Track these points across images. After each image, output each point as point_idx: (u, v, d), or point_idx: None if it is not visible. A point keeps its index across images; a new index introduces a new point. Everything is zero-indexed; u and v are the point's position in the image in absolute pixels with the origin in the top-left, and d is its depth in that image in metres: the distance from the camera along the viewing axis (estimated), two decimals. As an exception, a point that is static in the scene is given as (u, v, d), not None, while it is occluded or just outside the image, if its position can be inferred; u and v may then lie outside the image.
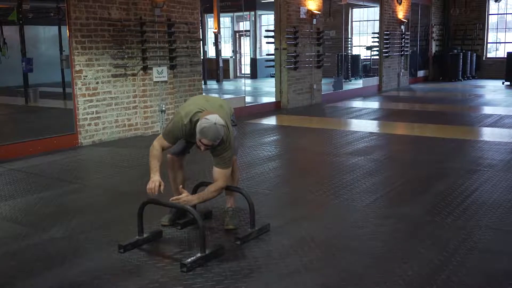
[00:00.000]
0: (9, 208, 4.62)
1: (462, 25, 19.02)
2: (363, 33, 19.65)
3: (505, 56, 17.28)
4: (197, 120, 3.50)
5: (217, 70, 18.46)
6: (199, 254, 3.34)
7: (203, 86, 9.84)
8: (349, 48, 18.58)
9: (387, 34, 15.01)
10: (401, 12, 15.62)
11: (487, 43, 19.36)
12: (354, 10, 19.38)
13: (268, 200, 4.76)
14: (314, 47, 11.96)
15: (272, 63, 11.44)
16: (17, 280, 3.19)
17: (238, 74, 20.95)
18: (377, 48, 15.17)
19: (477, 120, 9.56)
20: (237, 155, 4.31)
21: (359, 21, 19.87)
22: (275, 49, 11.33)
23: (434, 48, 18.99)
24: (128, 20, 7.77)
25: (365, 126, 9.10)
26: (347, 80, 16.58)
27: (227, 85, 18.74)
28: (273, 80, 12.08)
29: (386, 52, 15.14)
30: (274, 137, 8.40)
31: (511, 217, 4.20)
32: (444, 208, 4.40)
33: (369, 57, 17.87)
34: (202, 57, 10.71)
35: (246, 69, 20.54)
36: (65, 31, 7.46)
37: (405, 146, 7.59)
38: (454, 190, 4.94)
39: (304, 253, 3.50)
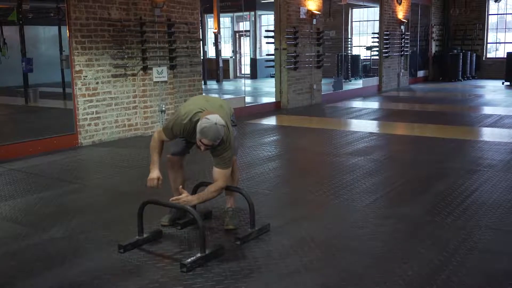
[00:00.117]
0: (9, 208, 4.62)
1: (462, 25, 19.02)
2: (363, 33, 19.66)
3: (505, 56, 17.28)
4: (197, 120, 3.51)
5: (217, 70, 18.47)
6: (199, 254, 3.34)
7: (203, 86, 9.84)
8: (349, 48, 18.58)
9: (387, 34, 15.01)
10: (401, 12, 15.62)
11: (487, 43, 19.36)
12: (354, 10, 19.38)
13: (268, 200, 4.76)
14: (314, 47, 11.96)
15: (272, 63, 11.44)
16: (17, 280, 3.20)
17: (238, 74, 20.96)
18: (377, 48, 15.17)
19: (477, 120, 9.56)
20: (237, 155, 4.31)
21: (359, 21, 19.88)
22: (275, 49, 11.34)
23: (434, 48, 19.00)
24: (128, 20, 7.77)
25: (365, 126, 9.10)
26: (347, 80, 16.58)
27: (227, 85, 18.75)
28: (273, 80, 12.08)
29: (386, 52, 15.14)
30: (274, 137, 8.40)
31: (511, 217, 4.20)
32: (444, 208, 4.40)
33: (369, 57, 17.88)
34: (202, 57, 10.71)
35: (246, 69, 20.55)
36: (65, 31, 7.47)
37: (405, 146, 7.59)
38: (454, 190, 4.94)
39: (304, 253, 3.50)
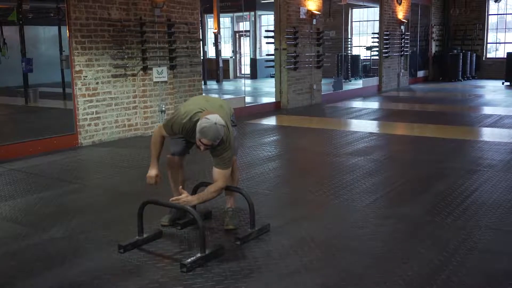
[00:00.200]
0: (9, 208, 4.62)
1: (462, 25, 19.02)
2: (363, 33, 19.66)
3: (505, 56, 17.28)
4: (197, 120, 3.51)
5: (217, 70, 18.46)
6: (199, 254, 3.34)
7: (203, 87, 9.84)
8: (349, 48, 18.58)
9: (387, 35, 15.02)
10: (401, 13, 15.62)
11: (487, 43, 19.36)
12: (354, 10, 19.38)
13: (268, 200, 4.76)
14: (314, 47, 11.96)
15: (272, 63, 11.44)
16: (17, 280, 3.20)
17: (238, 74, 20.96)
18: (377, 48, 15.17)
19: (477, 120, 9.56)
20: (237, 156, 4.31)
21: (359, 21, 19.88)
22: (275, 49, 11.34)
23: (434, 48, 19.00)
24: (128, 20, 7.78)
25: (365, 126, 9.10)
26: (347, 80, 16.58)
27: (227, 85, 18.75)
28: (273, 80, 12.08)
29: (386, 53, 15.14)
30: (274, 137, 8.40)
31: (511, 217, 4.20)
32: (444, 208, 4.40)
33: (369, 57, 17.88)
34: (202, 58, 10.71)
35: (246, 69, 20.55)
36: (65, 32, 7.47)
37: (405, 146, 7.60)
38: (454, 190, 4.94)
39: (304, 253, 3.50)
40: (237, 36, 21.38)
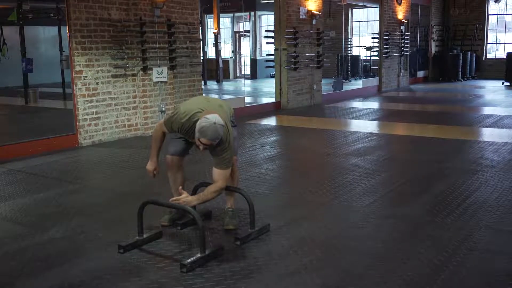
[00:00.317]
0: (9, 209, 4.62)
1: (462, 26, 19.02)
2: (363, 33, 19.66)
3: (505, 57, 17.28)
4: (196, 120, 3.51)
5: (217, 70, 18.46)
6: (199, 255, 3.34)
7: (203, 87, 9.84)
8: (349, 49, 18.58)
9: (387, 35, 15.02)
10: (401, 13, 15.62)
11: (486, 43, 19.36)
12: (354, 10, 19.39)
13: (268, 201, 4.76)
14: (314, 48, 11.96)
15: (272, 64, 11.44)
16: (17, 280, 3.20)
17: (238, 75, 20.96)
18: (377, 49, 15.17)
19: (477, 120, 9.56)
20: (237, 156, 4.30)
21: (359, 21, 19.88)
22: (275, 49, 11.34)
23: (434, 48, 19.00)
24: (128, 20, 7.78)
25: (365, 126, 9.10)
26: (347, 81, 16.58)
27: (227, 85, 18.75)
28: (273, 80, 12.08)
29: (386, 53, 15.14)
30: (274, 138, 8.40)
31: (511, 217, 4.20)
32: (444, 208, 4.40)
33: (369, 58, 17.88)
34: (202, 58, 10.71)
35: (246, 69, 20.55)
36: (65, 32, 7.47)
37: (405, 147, 7.60)
38: (454, 190, 4.94)
39: (304, 254, 3.50)
40: (237, 36, 21.39)
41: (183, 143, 3.95)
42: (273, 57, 11.39)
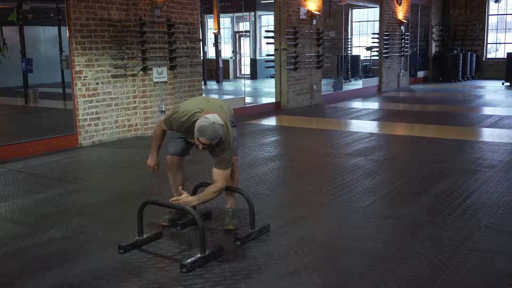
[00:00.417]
0: (9, 209, 4.62)
1: (462, 26, 19.02)
2: (363, 33, 19.66)
3: (505, 57, 17.28)
4: (196, 120, 3.51)
5: (217, 70, 18.46)
6: (199, 255, 3.34)
7: (203, 87, 9.84)
8: (349, 49, 18.57)
9: (387, 35, 15.02)
10: (401, 13, 15.62)
11: (487, 43, 19.37)
12: (354, 10, 19.38)
13: (268, 201, 4.76)
14: (314, 48, 11.96)
15: (272, 64, 11.44)
16: (17, 280, 3.19)
17: (238, 75, 20.96)
18: (377, 49, 15.17)
19: (477, 120, 9.56)
20: (237, 156, 4.30)
21: (359, 21, 19.88)
22: (275, 49, 11.33)
23: (434, 48, 19.00)
24: (128, 20, 7.78)
25: (365, 126, 9.10)
26: (347, 81, 16.58)
27: (227, 85, 18.75)
28: (273, 80, 12.08)
29: (386, 53, 15.14)
30: (274, 138, 8.40)
31: (511, 217, 4.20)
32: (444, 209, 4.40)
33: (369, 58, 17.88)
34: (202, 58, 10.71)
35: (246, 69, 20.55)
36: (65, 32, 7.47)
37: (405, 147, 7.60)
38: (454, 190, 4.94)
39: (304, 254, 3.50)
40: (237, 37, 21.38)
41: (183, 143, 3.95)
42: (273, 57, 11.39)
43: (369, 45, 16.39)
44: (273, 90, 11.69)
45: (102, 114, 7.64)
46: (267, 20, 19.97)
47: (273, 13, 11.87)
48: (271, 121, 10.09)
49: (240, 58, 21.09)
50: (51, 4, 10.62)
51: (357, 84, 16.01)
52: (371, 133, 8.32)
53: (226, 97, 14.37)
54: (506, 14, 19.36)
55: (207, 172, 5.33)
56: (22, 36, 10.92)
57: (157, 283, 3.11)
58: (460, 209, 4.39)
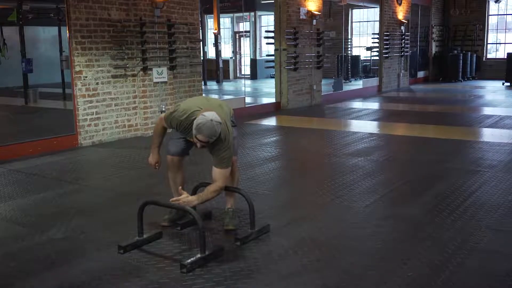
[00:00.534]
0: (9, 209, 4.61)
1: (462, 26, 19.03)
2: (363, 33, 19.66)
3: (505, 57, 17.28)
4: (194, 118, 3.52)
5: (217, 70, 18.46)
6: (199, 255, 3.34)
7: (203, 87, 9.83)
8: (349, 49, 18.57)
9: (387, 35, 15.02)
10: (401, 13, 15.62)
11: (487, 43, 19.37)
12: (354, 11, 19.38)
13: (268, 201, 4.76)
14: (314, 48, 11.96)
15: (272, 64, 11.44)
16: (17, 280, 3.19)
17: (238, 75, 20.96)
18: (377, 49, 15.17)
19: (477, 120, 9.56)
20: (237, 156, 4.31)
21: (359, 21, 19.88)
22: (275, 49, 11.33)
23: (434, 48, 19.00)
24: (128, 20, 7.78)
25: (365, 126, 9.10)
26: (347, 81, 16.58)
27: (227, 85, 18.75)
28: (273, 80, 12.08)
29: (386, 53, 15.14)
30: (274, 138, 8.40)
31: (511, 218, 4.20)
32: (444, 209, 4.40)
33: (369, 58, 17.88)
34: (202, 58, 10.71)
35: (246, 69, 20.54)
36: (65, 32, 7.47)
37: (405, 147, 7.59)
38: (454, 190, 4.94)
39: (304, 254, 3.50)
40: (237, 37, 21.38)
41: (183, 143, 3.96)
42: (273, 57, 11.39)
43: (369, 45, 16.40)
44: (273, 90, 11.69)
45: (102, 114, 7.64)
46: (267, 20, 19.97)
47: (273, 13, 11.87)
48: (271, 121, 10.09)
49: (240, 58, 21.09)
50: (51, 4, 10.62)
51: (357, 84, 16.00)
52: (371, 133, 8.31)
53: (226, 97, 14.37)
54: (506, 14, 19.37)
55: (206, 173, 5.32)
56: (22, 36, 10.92)
57: (157, 283, 3.11)
58: (460, 209, 4.38)
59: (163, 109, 8.27)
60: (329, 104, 12.22)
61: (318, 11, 11.84)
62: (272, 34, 11.27)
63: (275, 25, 11.34)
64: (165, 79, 8.32)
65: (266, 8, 18.20)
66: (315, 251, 3.57)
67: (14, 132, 8.40)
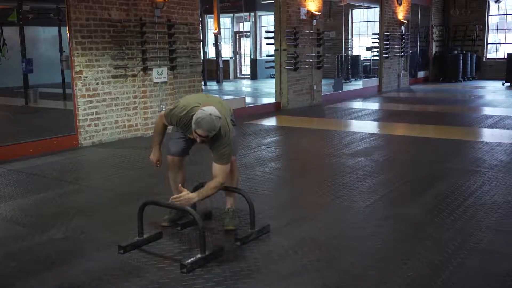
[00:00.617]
0: (9, 209, 4.61)
1: (462, 26, 19.03)
2: (363, 34, 19.66)
3: (505, 57, 17.28)
4: (194, 114, 3.53)
5: (217, 71, 18.46)
6: (199, 255, 3.34)
7: (203, 87, 9.84)
8: (349, 49, 18.57)
9: (387, 35, 15.02)
10: (401, 13, 15.62)
11: (487, 44, 19.37)
12: (354, 11, 19.38)
13: (268, 201, 4.76)
14: (314, 48, 11.96)
15: (272, 64, 11.44)
16: (17, 280, 3.19)
17: (238, 75, 20.95)
18: (377, 49, 15.17)
19: (477, 121, 9.56)
20: (237, 156, 4.31)
21: (359, 22, 19.88)
22: (275, 50, 11.33)
23: (434, 49, 19.00)
24: (128, 21, 7.78)
25: (365, 127, 9.10)
26: (347, 81, 16.57)
27: (227, 86, 18.75)
28: (273, 81, 12.08)
29: (386, 53, 15.14)
30: (274, 138, 8.40)
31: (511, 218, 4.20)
32: (445, 209, 4.40)
33: (369, 58, 17.88)
34: (202, 58, 10.71)
35: (246, 70, 20.54)
36: (65, 32, 7.47)
37: (405, 147, 7.59)
38: (454, 191, 4.94)
39: (304, 254, 3.50)
40: (237, 37, 21.38)
41: (183, 143, 3.96)
42: (273, 57, 11.39)
43: (369, 46, 16.39)
44: (273, 90, 11.69)
45: (102, 115, 7.64)
46: (267, 21, 19.96)
47: (273, 13, 11.86)
48: (271, 122, 10.09)
49: (240, 58, 21.09)
50: (51, 5, 10.63)
51: (357, 84, 16.00)
52: (371, 134, 8.31)
53: (226, 97, 14.35)
54: (506, 15, 19.36)
55: (207, 172, 5.31)
56: (22, 37, 10.92)
57: (157, 283, 3.11)
58: (461, 209, 4.38)
59: (163, 109, 8.26)
60: (329, 104, 12.22)
61: (318, 11, 11.84)
62: (272, 34, 11.27)
63: (275, 25, 11.34)
64: (165, 79, 8.32)
65: (266, 8, 18.20)
66: (315, 251, 3.57)
67: (14, 132, 8.41)
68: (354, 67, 17.95)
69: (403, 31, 15.80)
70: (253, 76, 19.84)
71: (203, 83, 10.57)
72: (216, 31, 18.05)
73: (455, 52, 18.40)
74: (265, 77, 18.69)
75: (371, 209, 4.45)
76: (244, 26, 20.98)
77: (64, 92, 10.61)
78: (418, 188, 5.13)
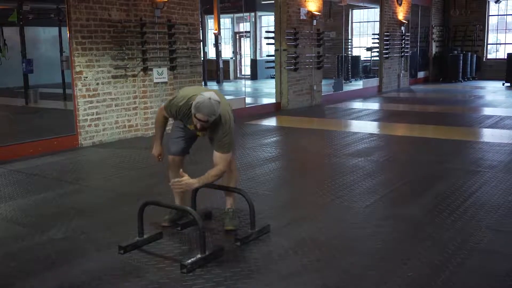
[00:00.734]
0: (9, 209, 4.62)
1: (462, 26, 19.03)
2: (363, 34, 19.66)
3: (505, 57, 17.28)
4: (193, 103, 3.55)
5: (217, 71, 18.47)
6: (199, 255, 3.34)
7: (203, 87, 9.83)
8: (349, 49, 18.57)
9: (387, 35, 15.02)
10: (401, 13, 15.62)
11: (487, 44, 19.36)
12: (354, 11, 19.38)
13: (268, 201, 4.76)
14: (314, 48, 11.97)
15: (272, 64, 11.44)
16: (17, 280, 3.19)
17: (238, 75, 20.95)
18: (377, 49, 15.17)
19: (478, 121, 9.56)
20: (237, 156, 4.32)
21: (359, 22, 19.89)
22: (275, 50, 11.33)
23: (434, 49, 19.00)
24: (129, 21, 7.78)
25: (365, 127, 9.10)
26: (347, 81, 16.58)
27: (227, 86, 18.75)
28: (273, 81, 12.08)
29: (386, 53, 15.14)
30: (274, 138, 8.40)
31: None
32: (445, 209, 4.40)
33: (369, 58, 17.88)
34: (202, 58, 10.71)
35: (246, 70, 20.54)
36: (65, 32, 7.47)
37: (405, 147, 7.59)
38: (454, 191, 4.94)
39: (304, 254, 3.50)
40: (237, 37, 21.39)
41: (183, 143, 3.98)
42: (273, 57, 11.39)
43: (369, 46, 16.39)
44: (273, 90, 11.69)
45: (102, 115, 7.64)
46: (268, 21, 19.96)
47: (273, 13, 11.86)
48: (271, 122, 10.09)
49: (241, 58, 21.09)
50: (52, 5, 10.63)
51: (358, 84, 16.00)
52: (371, 134, 8.32)
53: (226, 97, 14.32)
54: (507, 15, 19.36)
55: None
56: (23, 37, 10.93)
57: (157, 283, 3.11)
58: (461, 209, 4.39)
59: (163, 109, 8.27)
60: (329, 105, 12.22)
61: (318, 12, 11.85)
62: (272, 35, 11.27)
63: (275, 26, 11.35)
64: (166, 80, 8.32)
65: (266, 8, 18.20)
66: (315, 251, 3.57)
67: (15, 133, 8.41)
68: (354, 67, 17.96)
69: (403, 31, 15.81)
70: (253, 76, 19.84)
71: (203, 83, 10.57)
72: (216, 32, 18.06)
73: (455, 52, 18.40)
74: (265, 77, 18.69)
75: (371, 209, 4.46)
76: (244, 27, 20.99)
77: (64, 92, 10.61)
78: (418, 188, 5.13)
